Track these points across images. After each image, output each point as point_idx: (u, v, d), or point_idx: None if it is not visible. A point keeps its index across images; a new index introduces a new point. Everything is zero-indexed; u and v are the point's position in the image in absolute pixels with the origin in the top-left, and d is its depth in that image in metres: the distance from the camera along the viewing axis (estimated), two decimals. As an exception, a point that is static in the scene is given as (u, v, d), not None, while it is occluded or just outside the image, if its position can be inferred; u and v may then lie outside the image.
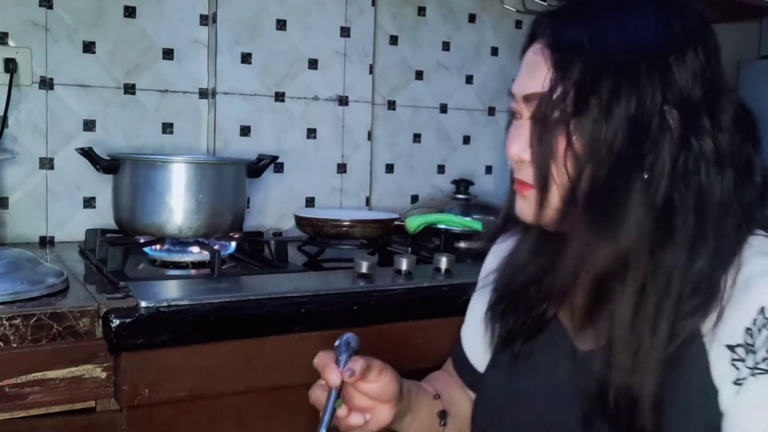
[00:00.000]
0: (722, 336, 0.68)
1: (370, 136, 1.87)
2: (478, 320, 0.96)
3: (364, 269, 1.24)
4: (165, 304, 1.04)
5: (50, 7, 1.55)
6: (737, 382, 0.67)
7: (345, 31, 1.81)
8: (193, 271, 1.33)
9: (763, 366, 0.66)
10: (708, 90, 0.72)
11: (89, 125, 1.61)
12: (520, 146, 0.76)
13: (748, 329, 0.67)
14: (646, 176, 0.70)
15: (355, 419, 0.82)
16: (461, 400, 0.98)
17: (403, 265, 1.28)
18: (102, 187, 1.57)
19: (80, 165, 1.48)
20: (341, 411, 0.81)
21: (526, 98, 0.76)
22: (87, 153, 1.40)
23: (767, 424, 0.66)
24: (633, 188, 0.70)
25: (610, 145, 0.70)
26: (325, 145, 1.82)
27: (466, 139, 2.08)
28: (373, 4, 1.85)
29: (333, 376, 0.79)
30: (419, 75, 1.99)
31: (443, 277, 1.30)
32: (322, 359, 0.82)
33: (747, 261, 0.69)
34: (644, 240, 0.70)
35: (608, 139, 0.70)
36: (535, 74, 0.75)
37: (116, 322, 0.99)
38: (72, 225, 1.59)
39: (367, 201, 1.89)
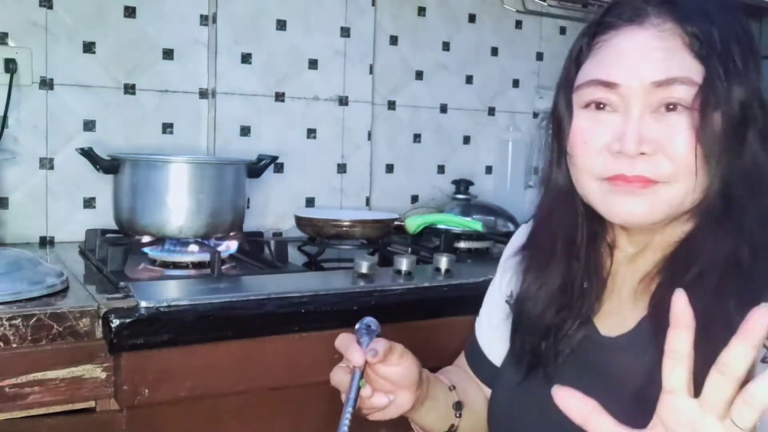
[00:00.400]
0: None
1: (370, 136, 1.87)
2: (494, 309, 0.95)
3: (364, 269, 1.24)
4: (165, 304, 1.04)
5: (50, 7, 1.55)
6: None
7: (345, 31, 1.81)
8: (193, 271, 1.33)
9: None
10: None
11: (89, 125, 1.61)
12: (639, 137, 0.72)
13: None
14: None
15: (379, 399, 0.82)
16: (475, 394, 0.97)
17: (403, 265, 1.28)
18: (102, 187, 1.57)
19: (80, 165, 1.48)
20: (365, 391, 0.81)
21: (666, 83, 0.72)
22: (87, 153, 1.40)
23: None
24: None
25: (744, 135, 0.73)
26: (325, 145, 1.82)
27: (466, 139, 2.08)
28: (373, 4, 1.85)
29: (357, 355, 0.78)
30: (419, 75, 1.99)
31: (443, 277, 1.30)
32: (345, 340, 0.81)
33: None
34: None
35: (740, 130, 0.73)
36: (673, 59, 0.72)
37: (116, 322, 0.99)
38: (72, 225, 1.59)
39: (367, 201, 1.89)
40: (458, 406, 0.93)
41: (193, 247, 1.38)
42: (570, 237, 0.84)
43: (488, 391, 0.96)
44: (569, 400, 0.60)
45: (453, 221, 1.62)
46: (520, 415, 0.87)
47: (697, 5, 0.76)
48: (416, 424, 0.92)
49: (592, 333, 0.82)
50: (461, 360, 1.03)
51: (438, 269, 1.32)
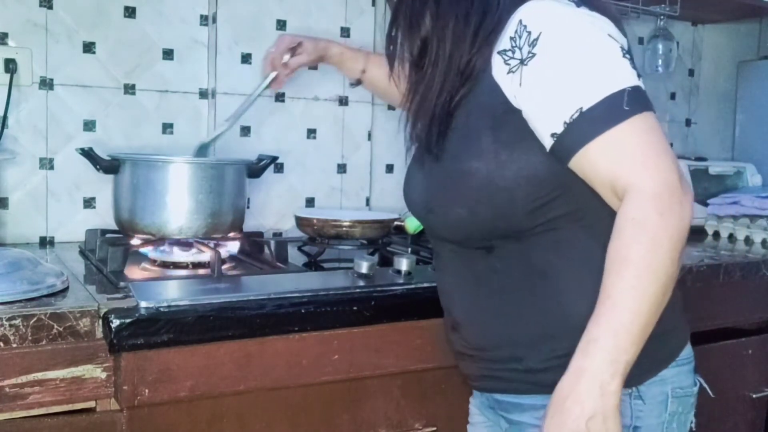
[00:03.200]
0: (498, 48, 0.91)
1: (370, 136, 1.87)
2: None
3: (364, 269, 1.24)
4: (165, 304, 1.04)
5: (50, 7, 1.55)
6: (511, 71, 0.89)
7: (345, 31, 1.81)
8: (193, 271, 1.32)
9: (527, 57, 0.88)
10: None
11: (89, 125, 1.61)
12: None
13: (512, 37, 0.90)
14: None
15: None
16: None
17: (403, 265, 1.28)
18: (102, 187, 1.57)
19: (80, 165, 1.48)
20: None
21: None
22: (87, 153, 1.40)
23: (547, 96, 0.86)
24: None
25: None
26: (325, 145, 1.82)
27: (466, 139, 2.07)
28: (373, 4, 1.85)
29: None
30: (419, 75, 1.98)
31: (443, 277, 1.30)
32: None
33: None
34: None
35: None
36: None
37: (116, 322, 0.99)
38: (72, 225, 1.59)
39: (367, 201, 1.89)
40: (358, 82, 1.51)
41: (193, 247, 1.38)
42: None
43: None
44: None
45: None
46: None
47: None
48: None
49: None
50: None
51: (438, 269, 1.32)
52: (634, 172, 0.83)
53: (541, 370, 0.96)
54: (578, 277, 0.93)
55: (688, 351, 1.01)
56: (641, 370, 0.90)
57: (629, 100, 0.85)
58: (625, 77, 0.86)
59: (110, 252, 1.24)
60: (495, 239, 0.96)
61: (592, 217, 0.92)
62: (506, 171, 0.91)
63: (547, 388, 0.89)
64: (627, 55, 0.89)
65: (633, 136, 0.84)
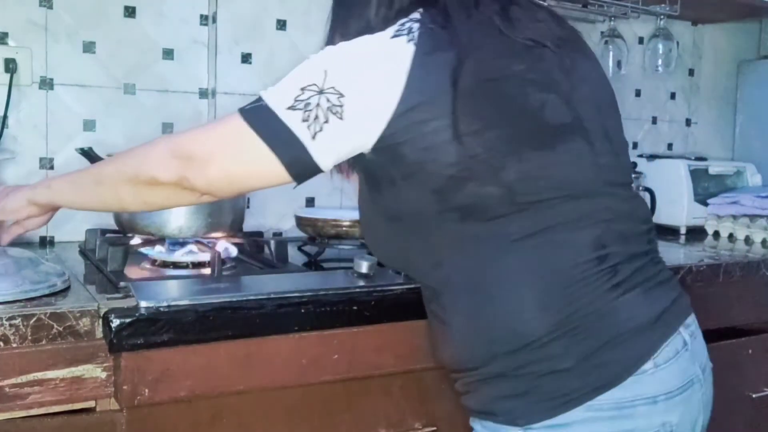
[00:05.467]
0: None
1: (370, 136, 1.87)
2: None
3: (364, 269, 1.24)
4: (165, 304, 1.04)
5: (50, 7, 1.55)
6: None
7: (345, 31, 1.81)
8: (193, 271, 1.32)
9: None
10: None
11: (89, 125, 1.61)
12: None
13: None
14: None
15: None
16: None
17: (403, 265, 1.28)
18: (102, 187, 1.57)
19: (80, 165, 1.48)
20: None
21: None
22: (87, 153, 1.40)
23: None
24: None
25: None
26: (325, 145, 1.81)
27: (466, 139, 2.07)
28: (373, 4, 1.85)
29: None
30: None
31: (443, 277, 1.29)
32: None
33: None
34: None
35: None
36: None
37: (116, 322, 0.99)
38: (72, 225, 1.58)
39: (367, 201, 1.89)
40: None
41: (193, 247, 1.38)
42: None
43: None
44: None
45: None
46: None
47: None
48: None
49: None
50: None
51: (438, 269, 1.32)
52: None
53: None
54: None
55: (612, 398, 0.84)
56: (531, 408, 0.85)
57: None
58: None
59: (110, 252, 1.24)
60: None
61: None
62: None
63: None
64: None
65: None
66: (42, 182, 1.14)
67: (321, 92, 0.86)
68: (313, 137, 0.86)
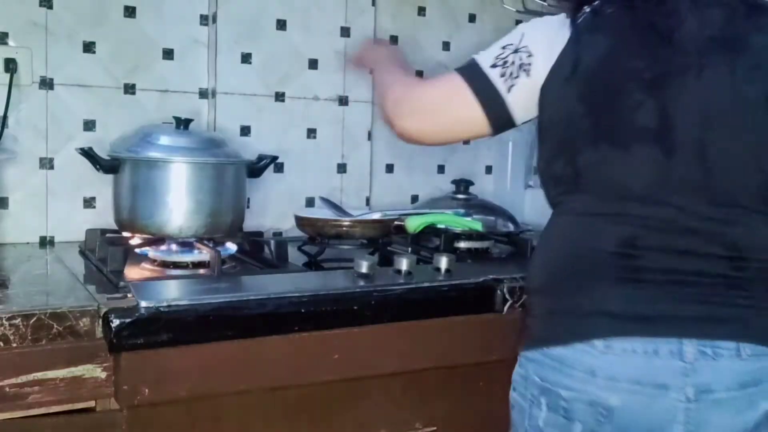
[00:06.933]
0: None
1: (370, 136, 1.87)
2: None
3: (364, 269, 1.24)
4: (165, 304, 1.04)
5: (50, 7, 1.55)
6: None
7: (345, 31, 1.81)
8: (193, 271, 1.32)
9: None
10: None
11: (89, 125, 1.61)
12: None
13: None
14: None
15: None
16: None
17: (403, 265, 1.28)
18: (102, 187, 1.57)
19: (80, 165, 1.48)
20: None
21: None
22: (87, 153, 1.40)
23: None
24: None
25: None
26: (325, 145, 1.82)
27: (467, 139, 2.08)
28: (373, 4, 1.85)
29: None
30: (419, 75, 1.98)
31: (443, 277, 1.30)
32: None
33: None
34: None
35: None
36: None
37: (116, 322, 0.99)
38: (72, 225, 1.58)
39: (367, 201, 1.89)
40: None
41: (193, 247, 1.38)
42: None
43: None
44: None
45: (453, 221, 1.62)
46: None
47: None
48: None
49: None
50: None
51: (438, 269, 1.32)
52: None
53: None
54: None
55: (557, 353, 0.95)
56: (523, 340, 1.02)
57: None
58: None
59: (110, 252, 1.24)
60: None
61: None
62: None
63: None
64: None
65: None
66: (387, 62, 1.38)
67: (516, 51, 1.01)
68: (509, 90, 1.02)
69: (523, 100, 1.02)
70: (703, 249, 0.92)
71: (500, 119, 1.04)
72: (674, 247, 0.92)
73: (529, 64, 0.99)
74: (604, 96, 0.94)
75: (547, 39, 0.99)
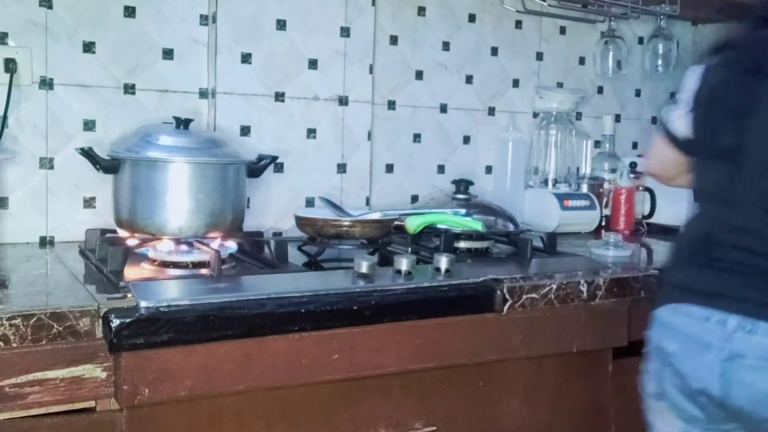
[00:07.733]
0: None
1: (370, 136, 1.87)
2: None
3: (364, 269, 1.24)
4: (165, 304, 1.04)
5: (50, 7, 1.55)
6: None
7: (345, 31, 1.81)
8: (193, 271, 1.32)
9: None
10: None
11: (89, 125, 1.61)
12: None
13: None
14: None
15: None
16: None
17: (403, 265, 1.28)
18: (102, 187, 1.57)
19: (80, 165, 1.48)
20: None
21: None
22: (87, 153, 1.40)
23: None
24: None
25: None
26: (325, 145, 1.82)
27: (466, 139, 2.08)
28: (373, 4, 1.85)
29: None
30: (419, 75, 1.99)
31: (443, 277, 1.30)
32: None
33: None
34: None
35: None
36: None
37: (116, 322, 0.99)
38: (72, 225, 1.58)
39: (367, 201, 1.89)
40: None
41: (193, 247, 1.38)
42: None
43: None
44: None
45: (453, 221, 1.62)
46: None
47: None
48: None
49: None
50: None
51: (438, 269, 1.32)
52: None
53: None
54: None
55: (656, 314, 1.19)
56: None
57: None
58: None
59: (110, 252, 1.24)
60: None
61: None
62: None
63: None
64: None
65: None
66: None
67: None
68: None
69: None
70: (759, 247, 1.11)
71: (686, 149, 1.24)
72: (748, 246, 1.10)
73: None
74: (706, 120, 1.18)
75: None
